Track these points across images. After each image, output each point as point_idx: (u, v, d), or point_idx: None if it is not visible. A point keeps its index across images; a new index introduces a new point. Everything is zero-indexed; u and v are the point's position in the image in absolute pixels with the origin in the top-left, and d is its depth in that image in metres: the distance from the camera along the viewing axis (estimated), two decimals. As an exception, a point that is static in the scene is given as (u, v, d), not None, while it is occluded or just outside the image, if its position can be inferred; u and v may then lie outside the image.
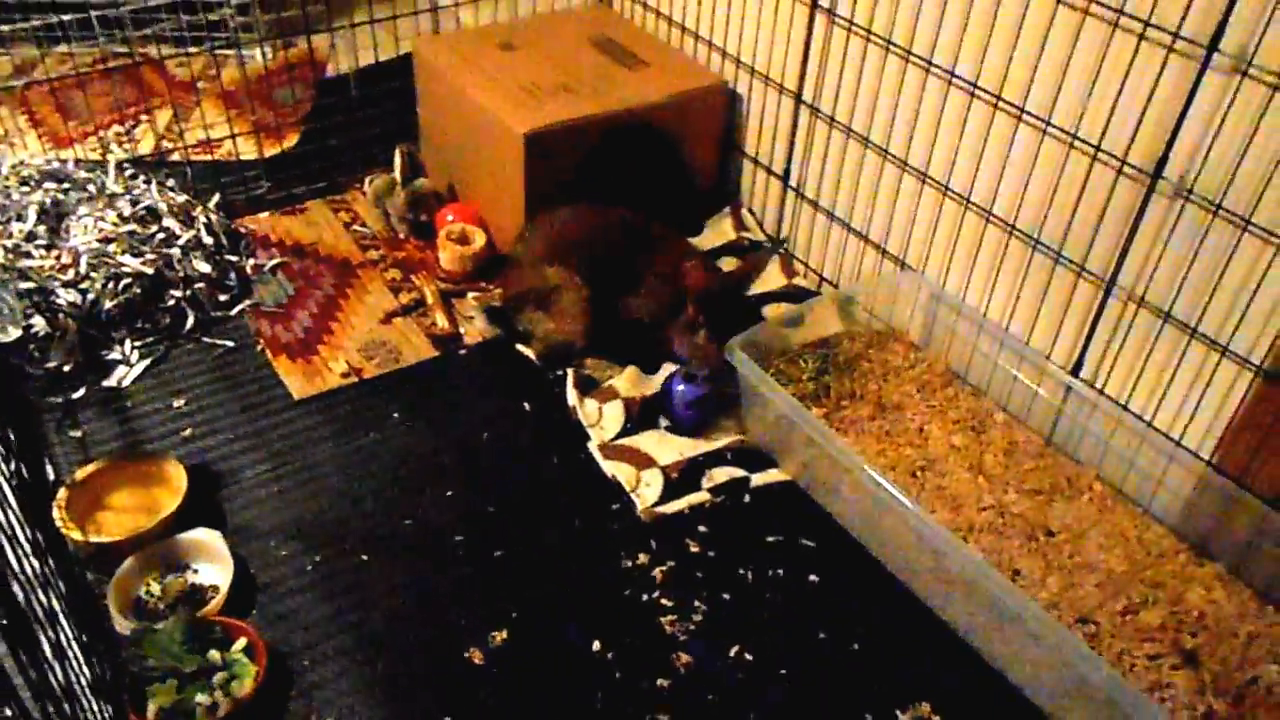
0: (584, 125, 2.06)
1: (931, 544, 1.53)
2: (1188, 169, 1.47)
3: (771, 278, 2.21)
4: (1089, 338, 1.69)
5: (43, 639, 0.92)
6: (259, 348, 2.00)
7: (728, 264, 2.23)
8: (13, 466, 1.28)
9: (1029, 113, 1.65)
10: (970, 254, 1.85)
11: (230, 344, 2.01)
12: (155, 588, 1.54)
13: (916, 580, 1.61)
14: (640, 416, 1.87)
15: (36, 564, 1.08)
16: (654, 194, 2.26)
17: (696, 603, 1.57)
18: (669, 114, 2.15)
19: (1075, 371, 1.74)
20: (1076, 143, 1.59)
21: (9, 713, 0.72)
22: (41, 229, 2.05)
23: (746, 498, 1.75)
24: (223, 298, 2.11)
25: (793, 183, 2.18)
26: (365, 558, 1.61)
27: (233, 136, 2.43)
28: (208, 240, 2.16)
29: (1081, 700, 1.40)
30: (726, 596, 1.59)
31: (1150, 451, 1.66)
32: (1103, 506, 1.70)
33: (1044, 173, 1.66)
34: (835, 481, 1.70)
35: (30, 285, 1.93)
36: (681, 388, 1.85)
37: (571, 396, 1.89)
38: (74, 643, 1.20)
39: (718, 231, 2.32)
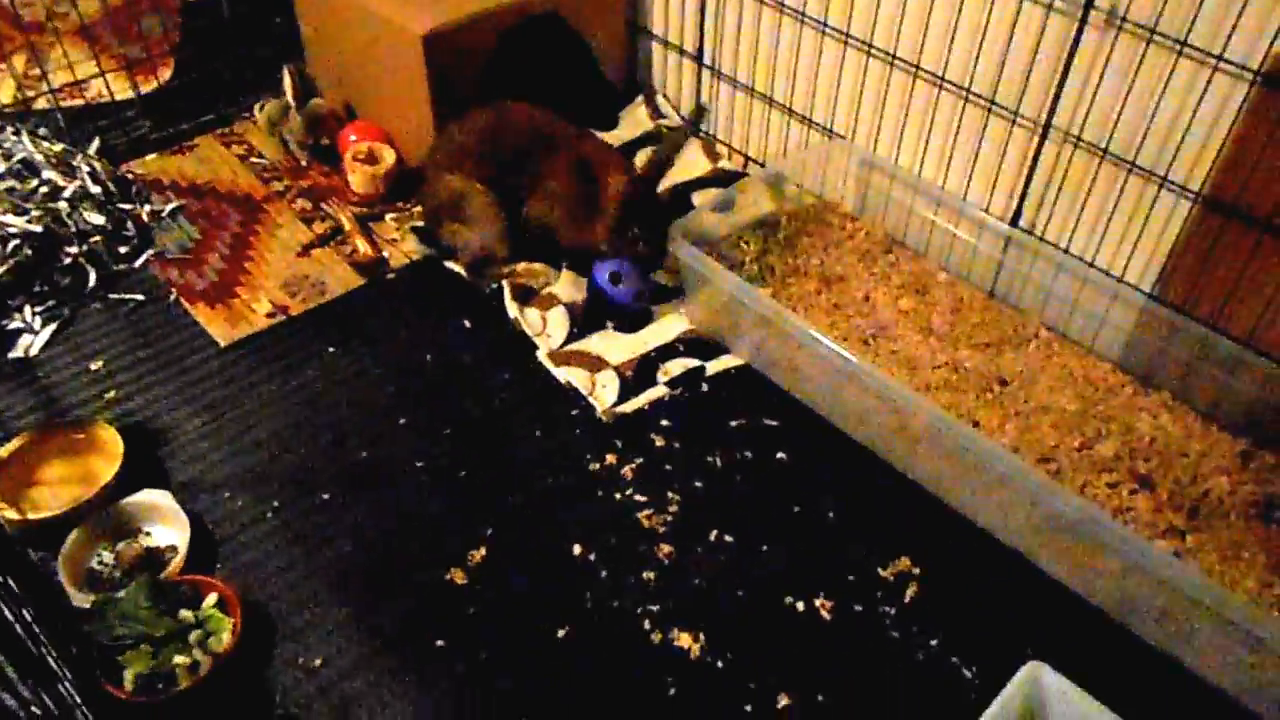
0: (484, 20, 1.95)
1: (893, 404, 1.54)
2: (1114, -1, 1.45)
3: (696, 164, 2.16)
4: (1026, 186, 1.70)
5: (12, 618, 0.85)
6: (172, 298, 1.89)
7: (645, 155, 2.17)
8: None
9: (947, -40, 1.62)
10: (899, 115, 1.83)
11: (140, 297, 1.89)
12: (108, 556, 1.46)
13: (881, 443, 1.62)
14: (585, 320, 1.83)
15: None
16: (565, 89, 2.17)
17: (670, 494, 1.56)
18: (571, 2, 2.05)
19: (1014, 222, 1.74)
20: (1000, -16, 1.57)
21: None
22: (-94, 195, 1.88)
23: (704, 386, 1.74)
24: (123, 250, 1.97)
25: (707, 61, 2.12)
26: (326, 497, 1.56)
27: (101, 75, 2.25)
28: (95, 190, 2.01)
29: (1050, 534, 1.44)
30: (698, 485, 1.58)
31: (1092, 291, 1.69)
32: (1049, 351, 1.73)
33: (971, 19, 1.64)
34: (791, 358, 1.69)
35: (-94, 258, 1.78)
36: (612, 288, 1.81)
37: (512, 309, 1.84)
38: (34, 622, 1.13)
39: (633, 121, 2.25)
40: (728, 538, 1.51)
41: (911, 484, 1.59)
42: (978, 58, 1.65)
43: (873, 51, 1.80)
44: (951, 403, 1.63)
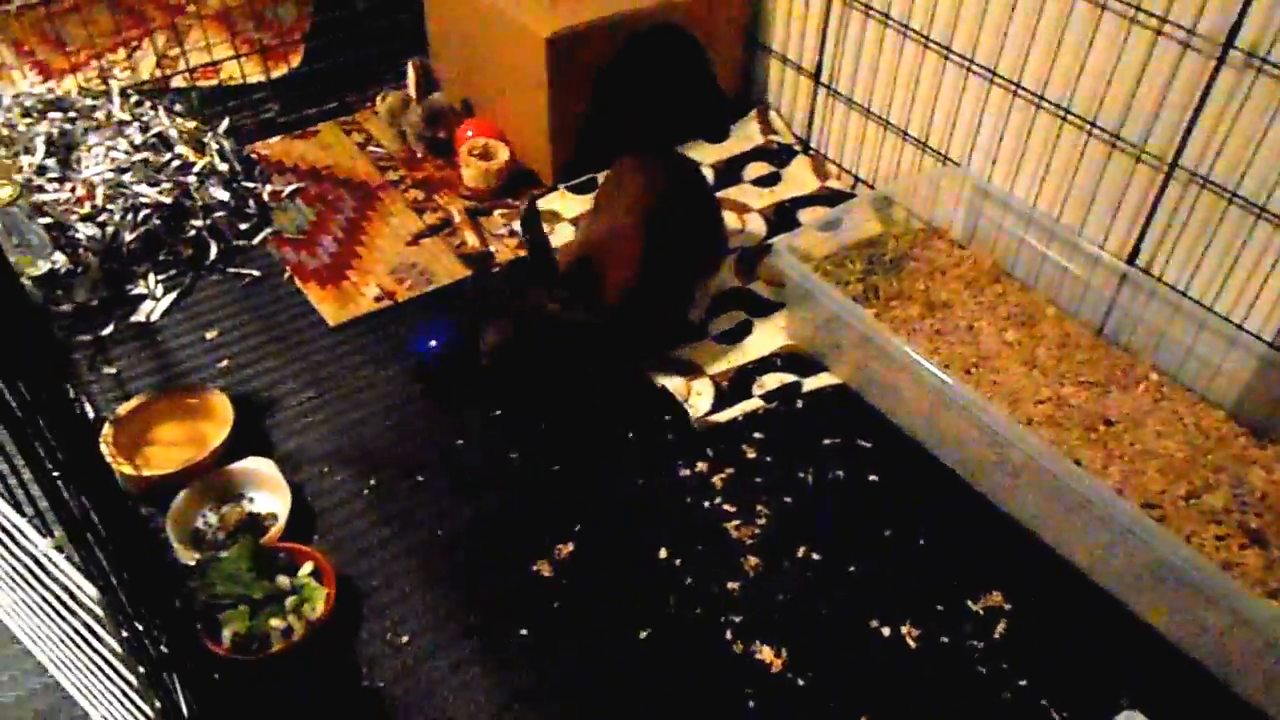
0: (608, 26, 1.98)
1: (993, 436, 1.51)
2: (1260, 37, 1.41)
3: (804, 182, 2.16)
4: (1146, 224, 1.66)
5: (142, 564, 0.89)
6: (286, 275, 1.95)
7: (755, 169, 2.18)
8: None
9: (1082, -10, 1.59)
10: (1018, 144, 1.80)
11: (256, 273, 1.95)
12: (212, 518, 1.52)
13: (979, 474, 1.59)
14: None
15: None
16: (679, 98, 2.20)
17: (758, 507, 1.56)
18: (693, 12, 2.07)
19: (1130, 260, 1.70)
20: (1139, 15, 1.53)
21: (136, 633, 0.69)
22: (51, 161, 1.97)
23: (799, 403, 1.73)
24: (243, 226, 2.05)
25: (824, 79, 2.12)
26: (420, 479, 1.59)
27: (236, 58, 2.34)
28: (222, 167, 2.09)
29: (1153, 583, 1.40)
30: (788, 500, 1.57)
31: (1209, 337, 1.64)
32: (1159, 394, 1.69)
33: (1102, 51, 1.61)
34: (890, 380, 1.67)
35: (48, 220, 1.87)
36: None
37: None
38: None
39: (745, 135, 2.26)
40: (815, 555, 1.50)
41: (1007, 517, 1.56)
42: (1106, 91, 1.62)
43: (996, 79, 1.78)
44: (1054, 439, 1.60)
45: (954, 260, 1.91)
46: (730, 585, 1.45)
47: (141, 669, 0.64)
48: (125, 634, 0.63)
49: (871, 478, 1.61)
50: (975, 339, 1.77)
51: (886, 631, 1.40)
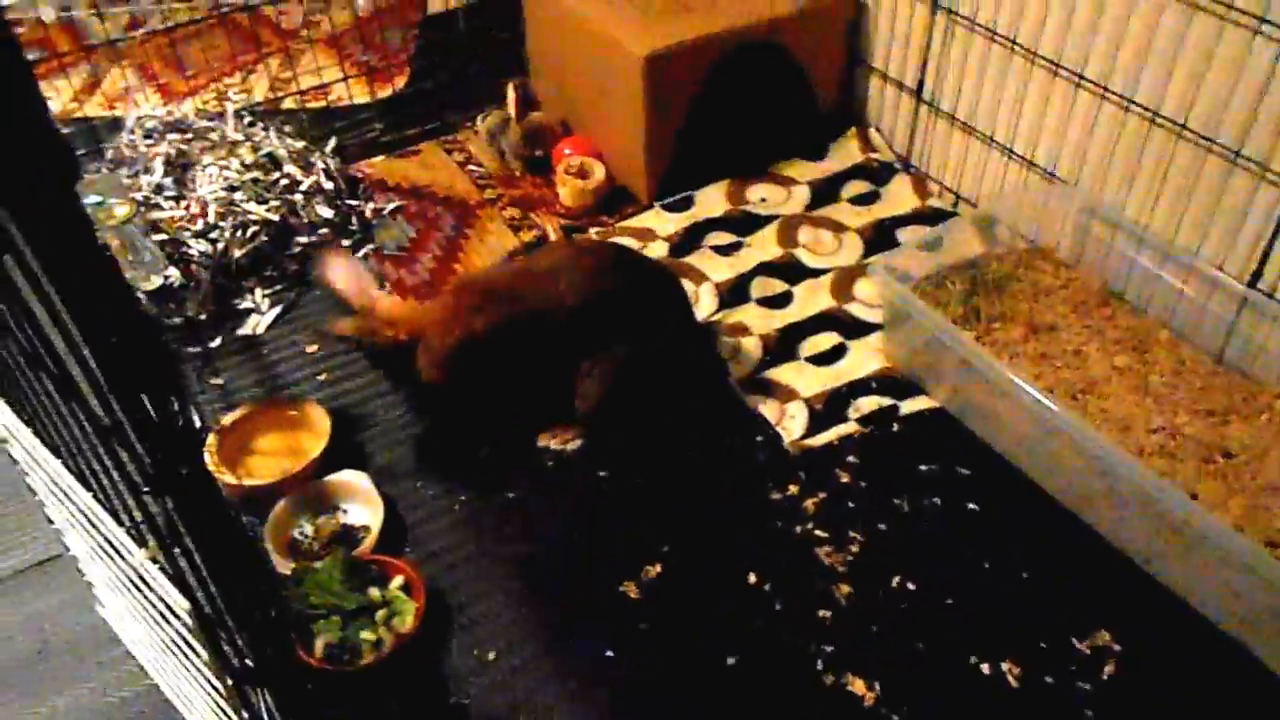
0: (705, 45, 1.97)
1: (1101, 466, 1.44)
2: (1398, 49, 1.33)
3: (904, 200, 2.11)
4: (1270, 246, 1.57)
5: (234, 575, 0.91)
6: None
7: (853, 188, 2.14)
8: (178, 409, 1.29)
9: None
10: (1131, 162, 1.73)
11: (357, 288, 2.00)
12: (308, 529, 1.55)
13: (1086, 506, 1.52)
14: (777, 349, 1.81)
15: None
16: (776, 116, 2.18)
17: (852, 534, 1.52)
18: (792, 29, 2.05)
19: (1252, 283, 1.61)
20: (1264, 28, 1.46)
21: (222, 645, 0.70)
22: (169, 180, 2.06)
23: (895, 426, 1.68)
24: (346, 243, 2.10)
25: (926, 96, 2.07)
26: (511, 495, 1.60)
27: (344, 80, 2.41)
28: (328, 186, 2.15)
29: (1276, 626, 1.31)
30: (882, 527, 1.53)
31: (1340, 365, 1.54)
32: (1284, 425, 1.59)
33: (1221, 66, 1.53)
34: (991, 405, 1.61)
35: (163, 237, 1.95)
36: None
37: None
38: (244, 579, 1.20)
39: (844, 154, 2.22)
40: (910, 585, 1.45)
41: (1116, 552, 1.48)
42: (1226, 106, 1.54)
43: (1108, 95, 1.71)
44: (1167, 470, 1.52)
45: (1060, 281, 1.84)
46: (821, 613, 1.42)
47: (228, 681, 0.65)
48: (213, 646, 0.64)
49: (971, 506, 1.56)
50: (1083, 364, 1.70)
51: (986, 668, 1.35)
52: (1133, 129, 1.70)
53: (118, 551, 0.76)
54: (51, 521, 1.20)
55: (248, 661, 0.71)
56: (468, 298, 1.59)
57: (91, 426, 0.57)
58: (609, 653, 1.38)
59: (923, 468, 1.62)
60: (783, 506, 1.56)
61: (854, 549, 1.50)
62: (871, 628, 1.40)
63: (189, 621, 0.62)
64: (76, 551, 1.22)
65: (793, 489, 1.59)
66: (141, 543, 0.65)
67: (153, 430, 0.56)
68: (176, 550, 0.61)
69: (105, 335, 0.53)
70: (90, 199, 1.68)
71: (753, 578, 1.47)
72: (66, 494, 0.81)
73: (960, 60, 1.96)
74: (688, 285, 1.93)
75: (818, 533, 1.53)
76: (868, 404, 1.72)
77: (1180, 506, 1.36)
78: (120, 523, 0.68)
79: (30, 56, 2.27)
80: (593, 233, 2.10)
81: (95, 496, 0.74)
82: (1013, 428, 1.60)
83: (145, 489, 0.58)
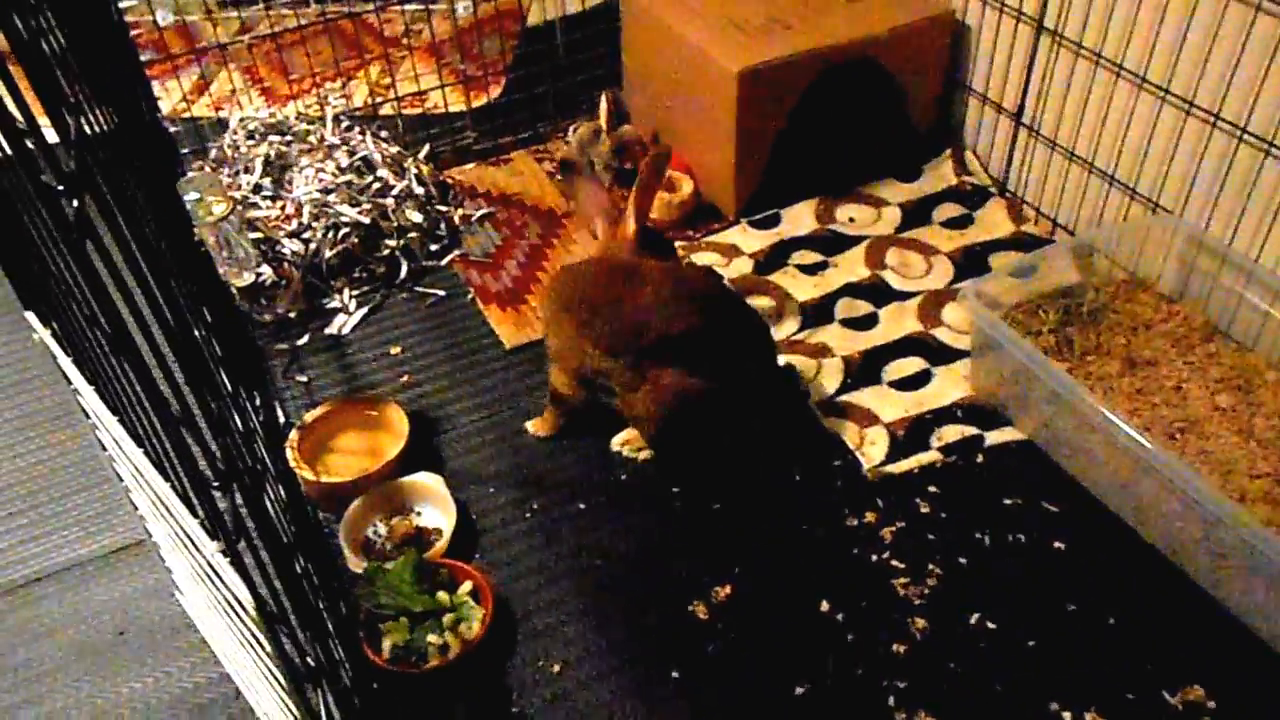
0: (800, 62, 1.95)
1: (1199, 510, 1.37)
2: None
3: (998, 225, 2.06)
4: (1394, 285, 1.48)
5: (299, 572, 0.92)
6: (469, 297, 2.01)
7: (946, 210, 2.09)
8: (256, 404, 1.31)
9: (1329, 26, 1.44)
10: (1240, 193, 1.65)
11: (441, 293, 2.02)
12: (382, 529, 1.56)
13: (1181, 552, 1.45)
14: (859, 372, 1.77)
15: (285, 497, 1.09)
16: (871, 135, 2.14)
17: (930, 566, 1.47)
18: (890, 48, 2.02)
19: (1372, 324, 1.52)
20: (1395, 57, 1.38)
21: (282, 642, 0.71)
22: (267, 180, 2.11)
23: (979, 457, 1.63)
24: (433, 247, 2.13)
25: (1026, 120, 2.01)
26: (583, 506, 1.59)
27: (441, 87, 2.45)
28: (419, 191, 2.18)
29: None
30: (962, 561, 1.48)
31: None
32: (1402, 478, 1.49)
33: (1345, 95, 1.46)
34: (1082, 441, 1.55)
35: (258, 235, 2.00)
36: None
37: (783, 356, 1.81)
38: (314, 575, 1.22)
39: (937, 176, 2.17)
40: (990, 624, 1.40)
41: (1213, 602, 1.41)
42: (1352, 138, 1.46)
43: (1219, 123, 1.64)
44: (1272, 519, 1.44)
45: (1161, 315, 1.76)
46: (896, 647, 1.38)
47: (289, 677, 0.65)
48: (275, 642, 0.64)
49: (1057, 545, 1.50)
50: (1182, 401, 1.62)
51: (1068, 717, 1.29)
52: (1244, 159, 1.63)
53: (192, 542, 0.76)
54: (136, 508, 1.23)
55: (309, 660, 0.71)
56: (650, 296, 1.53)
57: (160, 416, 0.58)
58: (675, 674, 1.36)
59: (1007, 501, 1.56)
60: (859, 534, 1.52)
61: (931, 582, 1.45)
62: (948, 665, 1.35)
63: (254, 616, 0.63)
64: (158, 539, 1.25)
65: (870, 517, 1.55)
66: (213, 535, 0.66)
67: (222, 423, 0.57)
68: (241, 545, 0.61)
69: (183, 326, 0.53)
70: (190, 195, 1.73)
71: (825, 605, 1.43)
72: (147, 482, 0.82)
73: (1064, 83, 1.90)
74: (769, 302, 1.91)
75: (894, 563, 1.48)
76: (951, 433, 1.67)
77: (1284, 558, 1.28)
78: (194, 514, 0.68)
79: (144, 57, 2.36)
80: (678, 245, 2.09)
81: (172, 486, 0.75)
82: (1104, 465, 1.53)
83: (214, 483, 0.58)
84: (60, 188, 0.46)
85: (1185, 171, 1.73)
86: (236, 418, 0.74)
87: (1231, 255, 1.69)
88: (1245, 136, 1.61)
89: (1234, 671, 1.33)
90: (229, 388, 0.72)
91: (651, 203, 1.69)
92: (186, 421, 0.56)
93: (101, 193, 0.53)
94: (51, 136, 0.54)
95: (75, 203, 0.47)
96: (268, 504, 0.77)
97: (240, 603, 0.68)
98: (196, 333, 0.91)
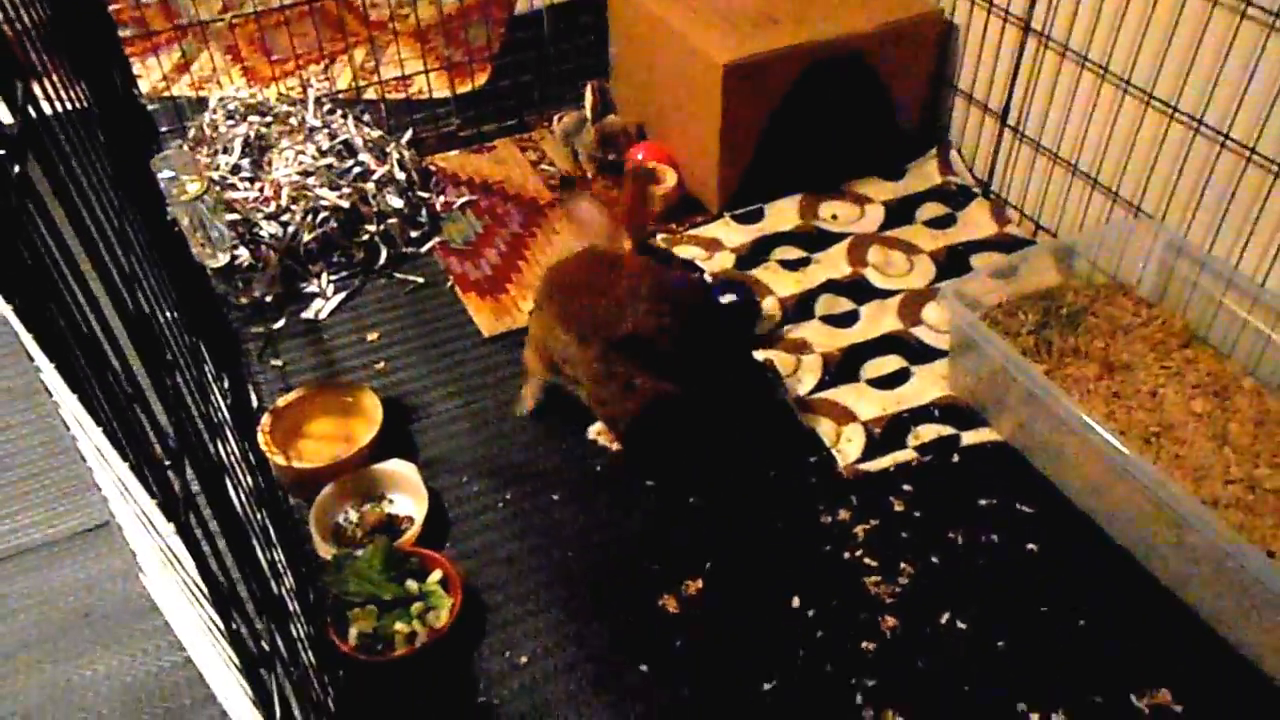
0: (787, 57, 1.94)
1: (1172, 514, 1.37)
2: None
3: (981, 225, 2.05)
4: (1370, 295, 1.49)
5: (260, 555, 0.90)
6: (449, 284, 1.99)
7: (929, 210, 2.09)
8: (224, 386, 1.30)
9: (1313, 35, 1.44)
10: (1221, 199, 1.65)
11: (420, 280, 2.00)
12: (353, 515, 1.55)
13: (1153, 555, 1.45)
14: (838, 369, 1.77)
15: (250, 481, 1.08)
16: (856, 133, 2.13)
17: (902, 565, 1.47)
18: (878, 46, 2.01)
19: (1348, 333, 1.53)
20: (1377, 66, 1.38)
21: (234, 625, 0.69)
22: (245, 161, 2.09)
23: (955, 457, 1.63)
24: (414, 234, 2.11)
25: (1011, 121, 2.01)
26: (556, 497, 1.58)
27: (425, 73, 2.43)
28: (400, 176, 2.16)
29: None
30: (935, 560, 1.48)
31: None
32: (1374, 487, 1.50)
33: (1327, 104, 1.46)
34: (1058, 443, 1.55)
35: (235, 217, 1.98)
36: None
37: (761, 352, 1.80)
38: (281, 562, 1.20)
39: (922, 175, 2.17)
40: (960, 624, 1.40)
41: (1182, 606, 1.41)
42: (1333, 146, 1.47)
43: (1202, 129, 1.64)
44: (1243, 525, 1.44)
45: (1140, 319, 1.76)
46: (865, 645, 1.37)
47: (242, 661, 0.64)
48: (228, 626, 0.62)
49: (1030, 546, 1.50)
50: (1158, 406, 1.62)
51: (1035, 718, 1.29)
52: (1226, 166, 1.63)
53: (151, 523, 0.75)
54: (100, 489, 1.21)
55: (263, 644, 0.70)
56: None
57: (105, 392, 0.57)
58: (643, 667, 1.35)
59: (981, 502, 1.56)
60: (832, 531, 1.52)
61: (903, 581, 1.45)
62: (916, 664, 1.35)
63: (208, 598, 0.61)
64: (122, 521, 1.23)
65: (844, 514, 1.54)
66: (170, 517, 0.64)
67: (178, 401, 0.55)
68: (194, 526, 0.60)
69: (136, 302, 0.52)
70: (164, 174, 1.71)
71: (796, 601, 1.43)
72: (108, 462, 0.81)
73: (1049, 85, 1.90)
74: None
75: (867, 561, 1.48)
76: (928, 432, 1.67)
77: (1255, 564, 1.28)
78: (151, 494, 0.67)
79: (125, 33, 2.33)
80: (659, 238, 2.08)
81: (131, 466, 0.74)
82: (1079, 468, 1.53)
83: (166, 462, 0.57)
84: (1, 151, 0.45)
85: (1167, 176, 1.73)
86: (198, 396, 0.73)
87: (1211, 261, 1.69)
88: (1227, 143, 1.61)
89: (1201, 676, 1.33)
90: (189, 366, 0.71)
91: (645, 223, 1.68)
92: (135, 398, 0.55)
93: (53, 163, 0.51)
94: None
95: (17, 167, 0.46)
96: (229, 485, 0.75)
97: (195, 584, 0.67)
98: (166, 312, 0.90)
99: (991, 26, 1.98)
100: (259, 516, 1.05)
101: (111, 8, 2.34)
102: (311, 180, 2.04)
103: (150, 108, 2.29)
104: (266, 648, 0.70)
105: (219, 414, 0.97)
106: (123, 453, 0.77)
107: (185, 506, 0.57)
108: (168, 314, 0.92)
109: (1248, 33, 1.53)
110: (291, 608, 0.99)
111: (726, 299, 1.84)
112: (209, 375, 0.92)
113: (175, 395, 0.57)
